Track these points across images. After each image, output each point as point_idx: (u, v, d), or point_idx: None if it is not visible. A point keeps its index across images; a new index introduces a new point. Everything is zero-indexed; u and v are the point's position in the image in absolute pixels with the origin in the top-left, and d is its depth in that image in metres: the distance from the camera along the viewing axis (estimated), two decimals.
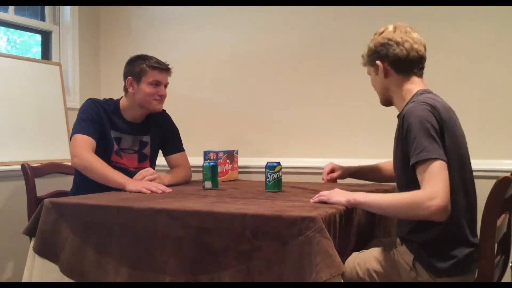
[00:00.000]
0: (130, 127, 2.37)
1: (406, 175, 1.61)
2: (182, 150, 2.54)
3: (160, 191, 2.04)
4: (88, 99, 2.35)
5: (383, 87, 1.77)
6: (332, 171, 1.83)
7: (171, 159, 2.51)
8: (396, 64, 1.72)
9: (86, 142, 2.20)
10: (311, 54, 2.74)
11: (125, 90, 2.36)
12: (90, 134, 2.22)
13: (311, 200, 1.69)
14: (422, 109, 1.56)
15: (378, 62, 1.74)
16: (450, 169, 1.50)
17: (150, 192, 2.03)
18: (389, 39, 1.71)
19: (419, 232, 1.59)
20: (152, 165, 2.47)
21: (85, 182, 2.19)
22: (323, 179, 1.88)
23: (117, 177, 2.13)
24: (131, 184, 2.09)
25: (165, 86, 2.36)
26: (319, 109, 2.76)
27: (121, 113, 2.35)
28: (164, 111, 2.50)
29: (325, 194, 1.67)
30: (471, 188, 1.65)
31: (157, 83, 2.31)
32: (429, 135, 1.51)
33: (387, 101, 1.82)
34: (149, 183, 2.11)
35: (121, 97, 2.40)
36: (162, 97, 2.34)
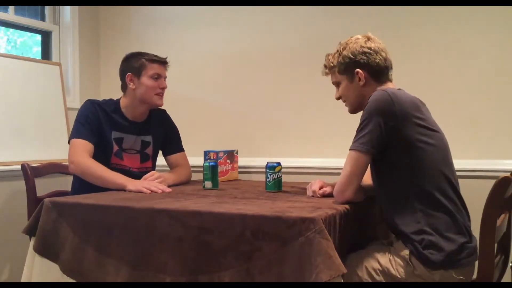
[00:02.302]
0: (132, 126, 2.36)
1: (376, 170, 1.72)
2: (182, 150, 2.55)
3: (160, 191, 2.04)
4: (87, 100, 2.34)
5: (360, 95, 1.79)
6: (322, 187, 1.87)
7: (172, 159, 2.51)
8: (376, 72, 1.76)
9: (83, 147, 2.19)
10: (311, 54, 2.74)
11: (124, 87, 2.36)
12: (87, 138, 2.21)
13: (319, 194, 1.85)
14: (381, 93, 1.63)
15: (358, 70, 1.75)
16: (413, 159, 1.60)
17: (150, 191, 2.03)
18: (369, 48, 1.75)
19: (406, 223, 1.61)
20: (153, 165, 2.47)
21: (84, 188, 2.16)
22: (317, 194, 1.85)
23: (116, 178, 2.13)
24: (131, 184, 2.09)
25: (164, 78, 2.37)
26: (320, 109, 2.76)
27: (122, 112, 2.35)
28: (164, 111, 2.50)
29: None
30: (448, 177, 1.65)
31: (157, 76, 2.32)
32: (371, 124, 1.60)
33: (357, 109, 1.85)
34: (149, 183, 2.10)
35: (121, 97, 2.39)
36: (163, 90, 2.35)
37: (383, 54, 1.76)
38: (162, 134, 2.48)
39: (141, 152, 2.40)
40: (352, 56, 1.76)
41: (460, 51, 2.44)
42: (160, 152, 2.53)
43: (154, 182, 2.13)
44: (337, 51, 1.82)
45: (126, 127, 2.34)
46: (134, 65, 2.32)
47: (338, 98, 1.89)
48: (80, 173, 2.17)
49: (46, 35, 3.21)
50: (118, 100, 2.38)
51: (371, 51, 1.74)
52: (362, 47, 1.75)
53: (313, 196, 1.86)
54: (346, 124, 2.52)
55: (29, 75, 2.90)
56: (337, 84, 1.87)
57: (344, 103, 1.89)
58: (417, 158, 1.61)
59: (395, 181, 1.65)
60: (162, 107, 2.43)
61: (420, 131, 1.62)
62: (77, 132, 2.22)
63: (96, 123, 2.26)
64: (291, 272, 1.37)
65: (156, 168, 2.46)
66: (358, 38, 1.78)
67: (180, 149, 2.54)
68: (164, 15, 3.18)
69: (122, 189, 2.09)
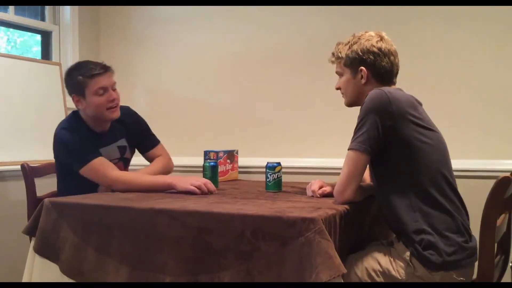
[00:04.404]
0: (103, 137, 2.22)
1: (374, 169, 1.71)
2: (158, 142, 2.42)
3: (206, 190, 1.94)
4: (61, 129, 2.13)
5: (359, 91, 1.79)
6: (322, 187, 1.87)
7: (150, 155, 2.39)
8: (380, 74, 1.76)
9: (106, 164, 2.07)
10: (311, 54, 2.74)
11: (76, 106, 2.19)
12: (98, 154, 2.08)
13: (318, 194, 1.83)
14: (378, 92, 1.63)
15: (362, 68, 1.75)
16: (408, 158, 1.60)
17: (200, 191, 1.92)
18: (379, 49, 1.74)
19: (405, 222, 1.61)
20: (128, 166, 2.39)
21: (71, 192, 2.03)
22: (317, 194, 1.86)
23: (163, 179, 2.04)
24: (180, 183, 1.98)
25: (114, 88, 2.16)
26: (320, 109, 2.76)
27: (90, 128, 2.19)
28: (128, 108, 2.36)
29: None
30: (446, 177, 1.65)
31: (103, 91, 2.11)
32: (368, 123, 1.60)
33: (353, 104, 1.85)
34: (197, 179, 1.98)
35: (78, 110, 2.21)
36: (114, 102, 2.14)
37: (392, 57, 1.75)
38: (135, 133, 2.35)
39: (122, 159, 2.31)
40: (360, 53, 1.75)
41: (460, 51, 2.45)
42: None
43: (203, 179, 2.00)
44: (349, 42, 1.80)
45: (100, 141, 2.20)
46: (73, 84, 2.12)
47: (337, 89, 1.89)
48: (122, 189, 2.04)
49: (46, 35, 3.21)
50: (79, 116, 2.19)
51: (380, 53, 1.73)
52: (372, 46, 1.74)
53: (312, 196, 1.86)
54: (346, 124, 2.53)
55: (29, 75, 2.90)
56: (340, 74, 1.87)
57: (342, 95, 1.89)
58: (415, 157, 1.61)
59: (393, 180, 1.65)
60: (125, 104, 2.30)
61: (417, 130, 1.62)
62: (85, 154, 2.06)
63: (90, 142, 2.12)
64: (291, 272, 1.37)
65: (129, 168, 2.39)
66: (372, 36, 1.76)
67: (155, 142, 2.40)
68: (164, 15, 3.18)
69: (171, 188, 1.99)
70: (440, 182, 1.62)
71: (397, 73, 1.80)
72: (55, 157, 2.22)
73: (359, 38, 1.78)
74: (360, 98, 1.78)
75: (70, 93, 2.17)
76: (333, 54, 1.87)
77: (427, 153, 1.62)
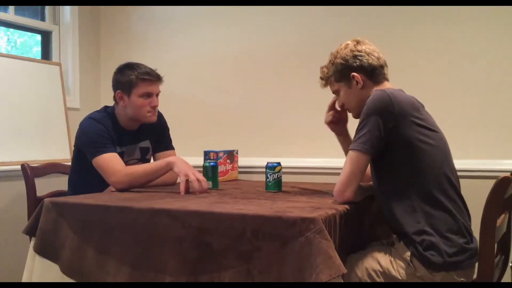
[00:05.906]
0: (130, 136, 2.30)
1: (376, 170, 1.72)
2: (171, 148, 2.46)
3: (196, 187, 1.97)
4: (88, 119, 2.22)
5: (360, 99, 1.79)
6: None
7: (159, 157, 2.40)
8: (371, 73, 1.77)
9: (116, 160, 2.12)
10: (311, 54, 2.74)
11: (116, 101, 2.27)
12: (111, 150, 2.14)
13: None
14: (380, 93, 1.64)
15: (354, 74, 1.77)
16: (412, 157, 1.61)
17: (185, 188, 1.97)
18: (359, 51, 1.77)
19: (407, 223, 1.61)
20: None
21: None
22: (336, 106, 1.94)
23: (165, 160, 2.11)
24: (178, 165, 2.04)
25: (157, 95, 2.27)
26: (320, 109, 2.75)
27: (120, 125, 2.27)
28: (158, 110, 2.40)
29: None
30: (449, 177, 1.66)
31: (148, 95, 2.22)
32: (370, 123, 1.61)
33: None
34: (195, 173, 2.01)
35: (114, 105, 2.30)
36: (154, 108, 2.26)
37: (375, 53, 1.78)
38: (157, 134, 2.41)
39: (142, 160, 2.36)
40: (344, 62, 1.78)
41: (460, 51, 2.45)
42: None
43: (201, 177, 2.02)
44: (330, 61, 1.85)
45: (125, 139, 2.27)
46: (123, 81, 2.21)
47: (341, 106, 1.91)
48: (128, 185, 2.09)
49: (46, 35, 3.21)
50: (113, 111, 2.29)
51: (362, 53, 1.77)
52: (352, 51, 1.77)
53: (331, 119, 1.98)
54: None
55: (29, 75, 2.90)
56: (337, 92, 1.88)
57: (347, 110, 1.90)
58: (417, 158, 1.61)
59: (395, 181, 1.65)
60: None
61: (419, 131, 1.62)
62: (100, 146, 2.13)
63: (110, 138, 2.19)
64: (291, 272, 1.37)
65: None
66: (348, 44, 1.81)
67: (169, 147, 2.44)
68: (164, 15, 3.18)
69: (171, 168, 2.06)
70: (442, 183, 1.62)
71: (386, 65, 1.81)
72: (74, 144, 2.30)
73: (337, 52, 1.82)
74: (364, 104, 1.78)
75: (115, 89, 2.25)
76: (321, 78, 1.91)
77: (430, 154, 1.62)
